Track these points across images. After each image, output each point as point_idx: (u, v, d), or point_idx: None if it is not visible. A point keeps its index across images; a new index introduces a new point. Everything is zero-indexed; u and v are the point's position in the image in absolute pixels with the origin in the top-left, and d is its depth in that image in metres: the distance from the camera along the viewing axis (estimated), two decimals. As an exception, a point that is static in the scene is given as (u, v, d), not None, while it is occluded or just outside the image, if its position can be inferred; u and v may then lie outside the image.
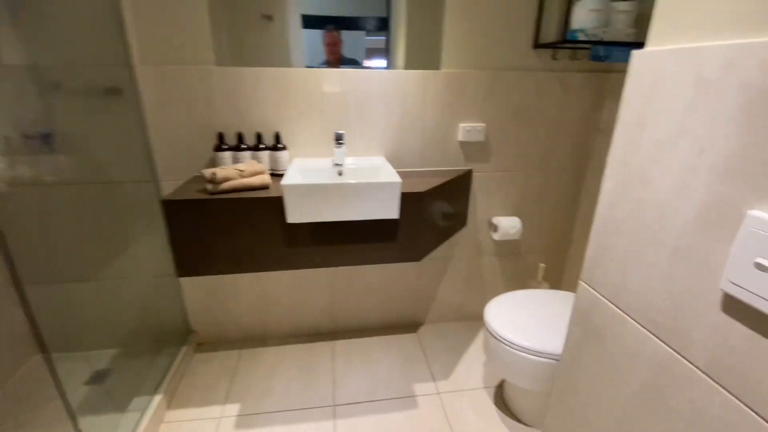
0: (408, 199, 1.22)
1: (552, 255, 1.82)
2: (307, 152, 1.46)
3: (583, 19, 1.29)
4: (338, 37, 1.42)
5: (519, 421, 1.36)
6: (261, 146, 1.38)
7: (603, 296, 0.68)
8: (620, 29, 1.29)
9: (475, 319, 1.91)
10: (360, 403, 1.42)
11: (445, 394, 1.46)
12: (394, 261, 1.30)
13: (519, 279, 1.85)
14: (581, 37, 1.29)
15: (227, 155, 1.36)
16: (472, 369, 1.59)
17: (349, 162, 1.42)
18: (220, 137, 1.35)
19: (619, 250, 0.64)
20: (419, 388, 1.49)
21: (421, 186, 1.28)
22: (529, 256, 1.80)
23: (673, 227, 0.54)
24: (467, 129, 1.50)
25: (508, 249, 1.77)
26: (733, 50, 0.45)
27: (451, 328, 1.84)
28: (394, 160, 1.51)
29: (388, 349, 1.69)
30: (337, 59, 1.43)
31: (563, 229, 1.77)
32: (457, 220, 1.56)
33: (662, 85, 0.54)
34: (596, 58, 1.36)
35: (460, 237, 1.70)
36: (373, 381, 1.52)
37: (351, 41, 1.45)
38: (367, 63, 1.47)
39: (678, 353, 0.54)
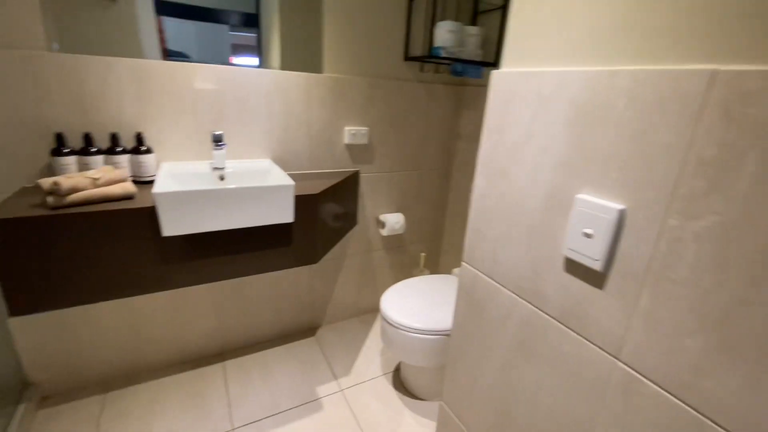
0: (302, 202, 1.21)
1: (430, 244, 2.03)
2: (179, 155, 1.31)
3: (443, 38, 1.48)
4: (161, 24, 1.24)
5: (416, 397, 1.49)
6: (118, 149, 1.18)
7: (481, 272, 0.82)
8: (472, 50, 1.53)
9: (370, 312, 2.00)
10: (262, 419, 1.34)
11: (348, 390, 1.50)
12: (291, 266, 1.28)
13: (405, 269, 2.01)
14: (442, 53, 1.49)
15: (71, 161, 1.12)
16: (370, 359, 1.67)
17: (231, 165, 1.33)
18: (59, 139, 1.10)
19: (490, 233, 0.78)
20: (323, 389, 1.50)
21: (314, 188, 1.29)
22: (411, 247, 1.98)
23: (528, 210, 0.69)
24: (352, 132, 1.57)
25: (394, 243, 1.91)
26: (562, 75, 0.60)
27: (348, 325, 1.89)
28: (282, 163, 1.48)
29: (286, 358, 1.64)
30: (163, 49, 1.27)
31: (437, 221, 2.00)
32: (348, 220, 1.61)
33: (514, 99, 0.69)
34: (455, 73, 1.59)
35: (352, 235, 1.76)
36: (274, 394, 1.46)
37: (213, 35, 1.35)
38: (232, 60, 1.38)
39: (538, 309, 0.69)
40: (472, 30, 1.51)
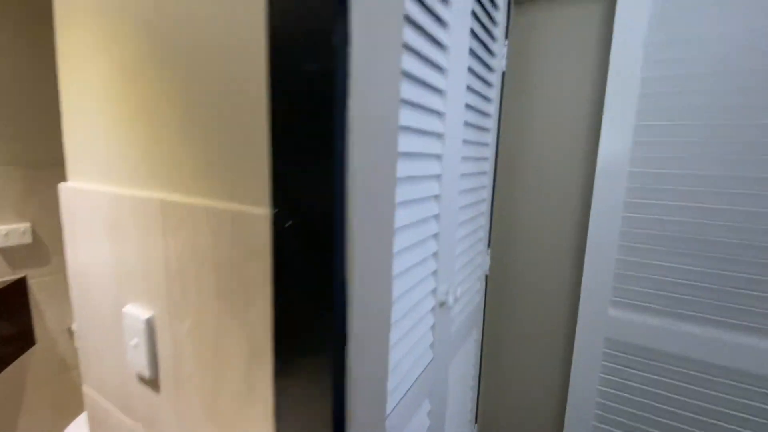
0: None
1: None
2: None
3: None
4: None
5: None
6: None
7: (100, 394, 0.74)
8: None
9: (88, 446, 1.58)
10: None
11: None
12: None
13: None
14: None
15: None
16: None
17: None
18: None
19: (93, 351, 0.72)
20: None
21: None
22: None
23: (107, 328, 0.66)
24: (3, 233, 1.26)
25: (110, 349, 1.61)
26: (97, 194, 0.62)
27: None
28: None
29: None
30: None
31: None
32: (15, 343, 1.26)
33: (76, 213, 0.67)
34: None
35: (30, 360, 1.38)
36: None
37: None
38: None
39: (141, 425, 0.66)
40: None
